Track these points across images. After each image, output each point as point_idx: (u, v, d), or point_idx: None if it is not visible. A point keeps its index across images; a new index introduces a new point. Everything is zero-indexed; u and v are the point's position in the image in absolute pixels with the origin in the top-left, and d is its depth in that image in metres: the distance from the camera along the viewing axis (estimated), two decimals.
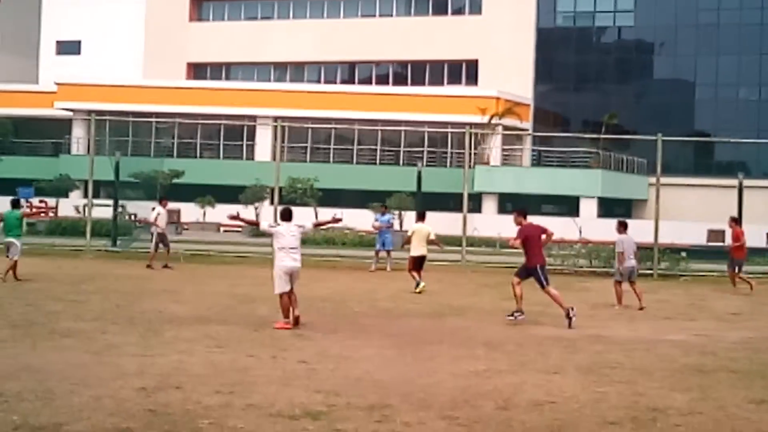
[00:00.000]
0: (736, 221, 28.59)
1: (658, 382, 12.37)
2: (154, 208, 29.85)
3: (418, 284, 23.63)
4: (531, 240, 18.24)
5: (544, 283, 18.12)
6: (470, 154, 38.73)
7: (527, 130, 67.19)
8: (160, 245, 29.19)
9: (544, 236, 18.35)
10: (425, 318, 18.61)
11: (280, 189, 35.64)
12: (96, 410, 9.86)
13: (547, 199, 61.21)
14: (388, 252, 31.03)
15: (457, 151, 61.61)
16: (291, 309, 16.53)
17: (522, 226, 18.40)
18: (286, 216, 17.29)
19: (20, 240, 23.88)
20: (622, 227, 21.89)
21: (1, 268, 23.39)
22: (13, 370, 11.80)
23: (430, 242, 24.88)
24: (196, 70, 79.80)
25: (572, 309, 17.60)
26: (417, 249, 24.58)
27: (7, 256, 23.52)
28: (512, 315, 18.01)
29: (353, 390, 11.21)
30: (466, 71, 73.02)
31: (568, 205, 59.50)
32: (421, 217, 25.56)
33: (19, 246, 23.64)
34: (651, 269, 30.52)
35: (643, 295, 21.42)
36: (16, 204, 24.67)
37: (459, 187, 35.43)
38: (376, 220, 32.41)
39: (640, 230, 39.69)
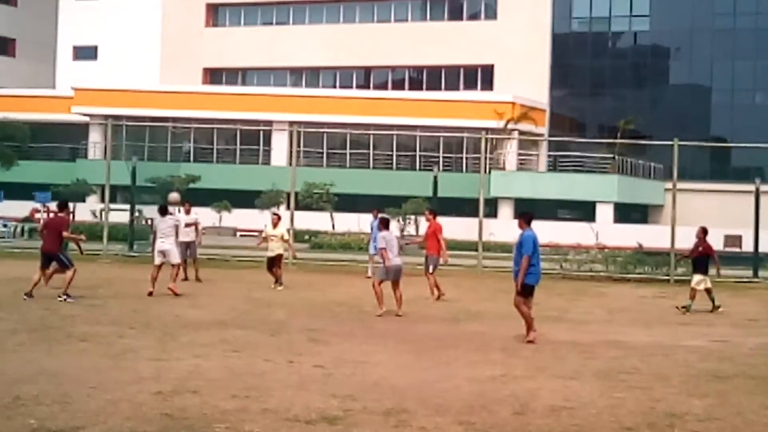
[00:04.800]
0: None
1: (676, 387, 12.34)
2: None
3: (277, 281, 24.91)
4: None
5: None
6: (486, 159, 38.67)
7: (543, 135, 67.08)
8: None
9: None
10: (441, 323, 18.59)
11: (296, 194, 35.65)
12: (112, 414, 9.88)
13: (563, 204, 61.13)
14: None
15: (473, 156, 61.51)
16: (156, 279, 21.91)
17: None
18: (163, 211, 22.88)
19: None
20: (383, 225, 20.57)
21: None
22: (31, 373, 11.84)
23: (285, 242, 25.76)
24: (212, 75, 79.90)
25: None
26: (272, 249, 25.43)
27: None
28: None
29: (370, 395, 11.20)
30: (481, 76, 72.94)
31: (584, 211, 59.36)
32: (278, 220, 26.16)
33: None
34: (668, 275, 30.45)
35: (402, 302, 19.77)
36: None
37: (475, 192, 35.45)
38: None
39: (656, 236, 39.84)
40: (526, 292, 16.28)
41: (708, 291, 22.34)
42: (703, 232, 22.83)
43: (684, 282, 30.29)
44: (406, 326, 17.77)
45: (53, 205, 53.91)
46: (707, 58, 68.09)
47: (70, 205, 23.96)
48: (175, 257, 22.53)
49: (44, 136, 66.44)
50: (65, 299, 19.99)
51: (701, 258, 22.69)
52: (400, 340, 15.94)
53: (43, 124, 67.09)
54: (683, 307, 21.90)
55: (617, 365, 13.96)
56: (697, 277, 22.35)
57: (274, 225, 25.68)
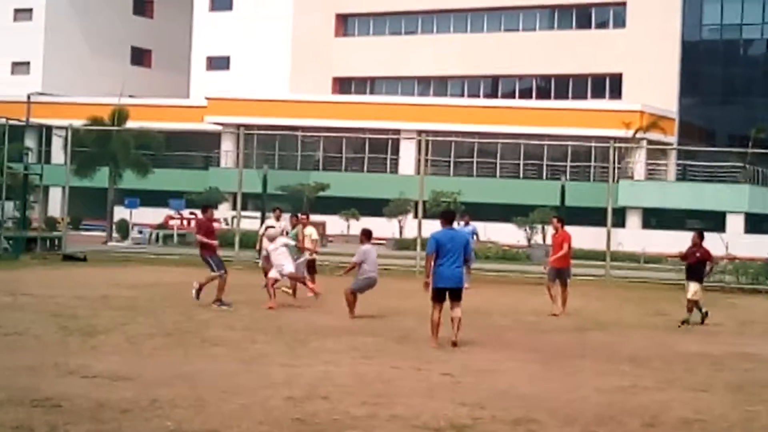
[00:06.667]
0: None
1: None
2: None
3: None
4: None
5: None
6: (614, 168, 38.32)
7: (672, 144, 66.13)
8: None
9: None
10: (569, 333, 18.53)
11: (424, 203, 35.75)
12: (245, 418, 10.09)
13: (692, 214, 60.12)
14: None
15: (601, 165, 60.88)
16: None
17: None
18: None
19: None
20: (365, 237, 20.56)
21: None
22: (167, 377, 12.17)
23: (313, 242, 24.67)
24: (342, 85, 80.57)
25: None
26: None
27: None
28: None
29: (498, 403, 11.24)
30: (609, 85, 72.22)
31: (713, 221, 58.25)
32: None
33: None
34: None
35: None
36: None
37: (603, 202, 35.18)
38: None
39: None
40: (434, 296, 15.93)
41: (697, 303, 20.64)
42: (700, 236, 21.32)
43: None
44: (533, 336, 17.76)
45: (186, 212, 55.34)
46: None
47: (212, 211, 23.76)
48: (291, 269, 22.04)
49: (178, 145, 67.69)
50: (216, 305, 20.24)
51: (698, 265, 20.99)
52: (528, 349, 15.94)
53: (177, 132, 68.33)
54: (683, 322, 20.29)
55: (749, 378, 13.76)
56: (693, 286, 20.67)
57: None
